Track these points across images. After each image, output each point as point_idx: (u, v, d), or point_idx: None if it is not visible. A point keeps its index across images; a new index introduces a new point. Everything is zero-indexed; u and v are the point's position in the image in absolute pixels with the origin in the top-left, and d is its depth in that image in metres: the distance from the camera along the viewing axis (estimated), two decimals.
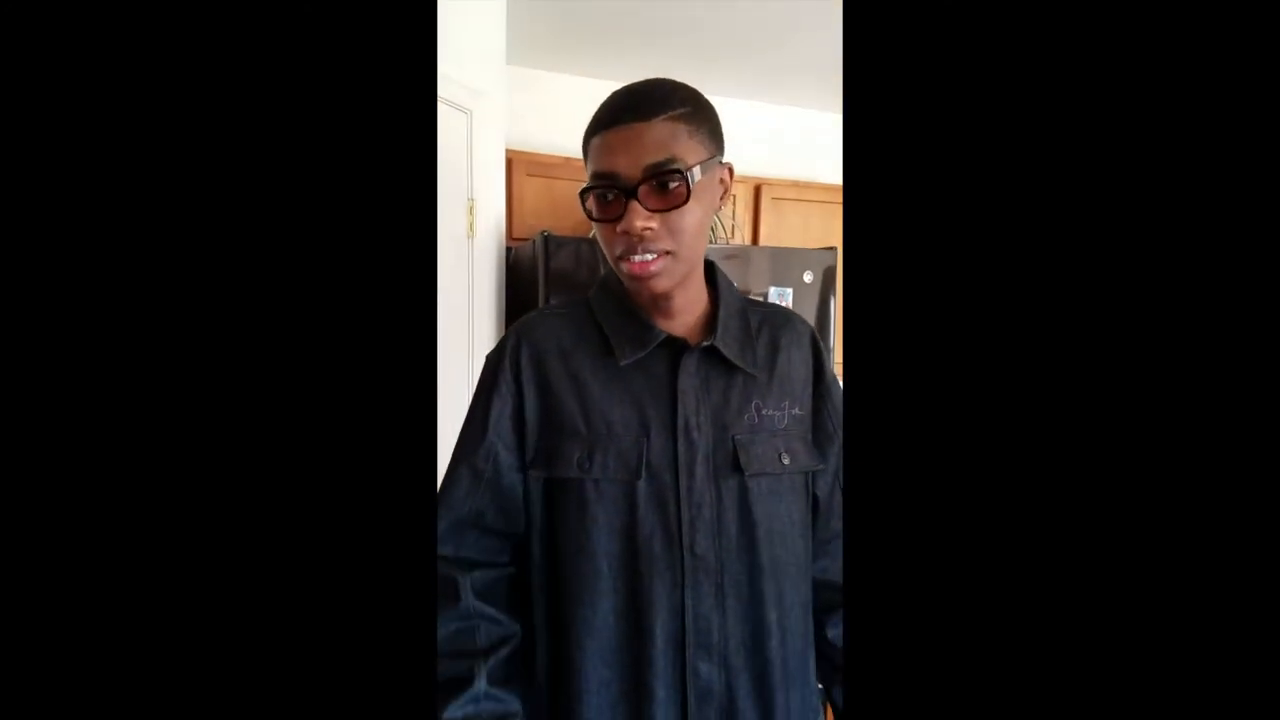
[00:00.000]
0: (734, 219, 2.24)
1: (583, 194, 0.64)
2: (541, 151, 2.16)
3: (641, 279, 0.63)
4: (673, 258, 0.63)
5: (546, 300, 1.64)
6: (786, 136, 2.61)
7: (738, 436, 0.67)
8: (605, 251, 0.66)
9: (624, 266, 0.63)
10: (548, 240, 1.63)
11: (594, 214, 0.64)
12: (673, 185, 0.60)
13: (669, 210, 0.61)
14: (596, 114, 0.64)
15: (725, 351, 0.68)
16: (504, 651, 0.68)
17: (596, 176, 0.62)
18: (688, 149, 0.62)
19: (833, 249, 1.94)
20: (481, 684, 0.66)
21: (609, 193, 0.62)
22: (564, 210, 2.08)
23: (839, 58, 2.12)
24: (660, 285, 0.64)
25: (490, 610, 0.69)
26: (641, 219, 0.60)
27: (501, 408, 0.70)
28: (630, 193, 0.60)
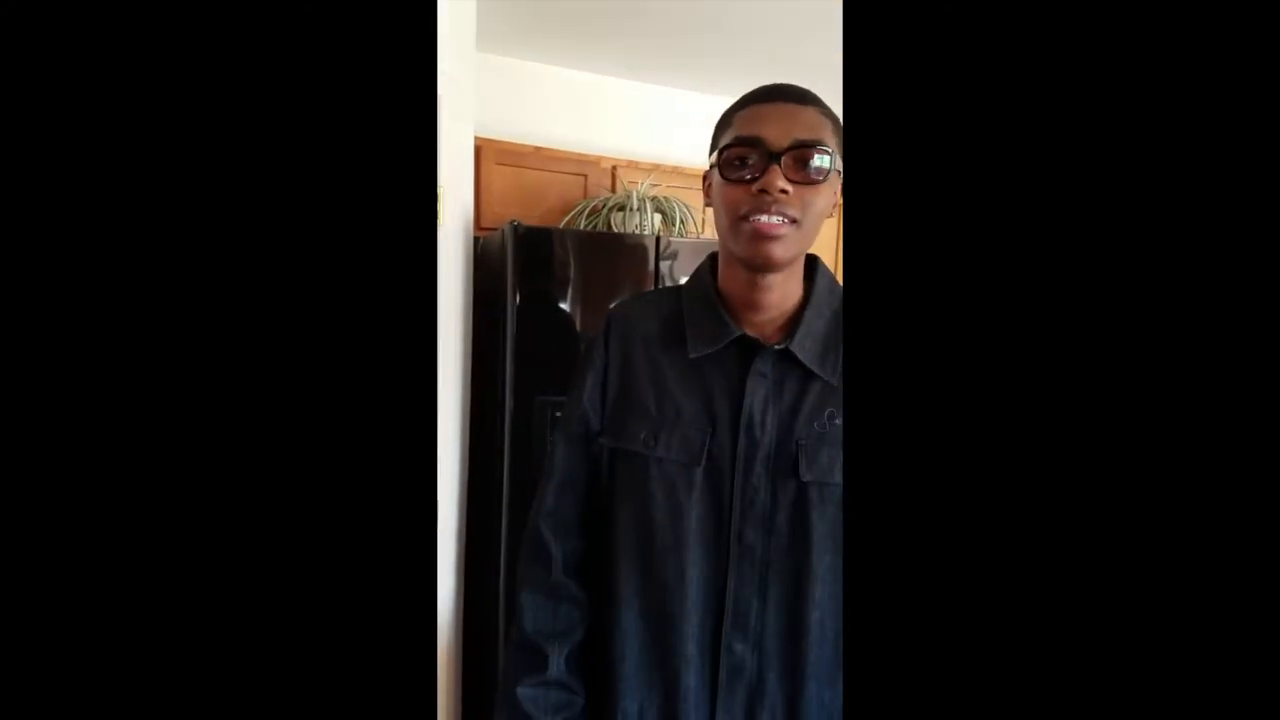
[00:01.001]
0: (705, 214, 2.25)
1: (720, 154, 0.66)
2: (511, 140, 2.14)
3: (766, 236, 0.64)
4: (797, 228, 0.64)
5: (515, 291, 1.63)
6: None
7: (802, 441, 0.68)
8: (724, 214, 0.67)
9: (747, 226, 0.64)
10: (516, 229, 1.61)
11: (726, 174, 0.65)
12: (814, 163, 0.63)
13: (806, 184, 0.63)
14: (745, 95, 0.68)
15: (801, 356, 0.68)
16: (577, 635, 0.74)
17: (740, 139, 0.65)
18: (832, 142, 0.65)
19: None
20: (555, 669, 0.72)
21: (751, 155, 0.64)
22: (533, 199, 2.06)
23: (817, 54, 2.14)
24: (778, 252, 0.64)
25: (571, 587, 0.75)
26: (782, 180, 0.62)
27: (593, 380, 0.75)
28: (774, 158, 0.63)
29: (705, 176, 0.72)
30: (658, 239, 1.76)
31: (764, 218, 0.63)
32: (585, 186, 2.13)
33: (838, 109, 0.62)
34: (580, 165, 2.14)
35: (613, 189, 2.16)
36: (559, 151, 2.17)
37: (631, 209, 1.95)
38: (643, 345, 0.73)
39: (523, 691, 0.72)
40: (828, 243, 2.45)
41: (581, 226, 1.99)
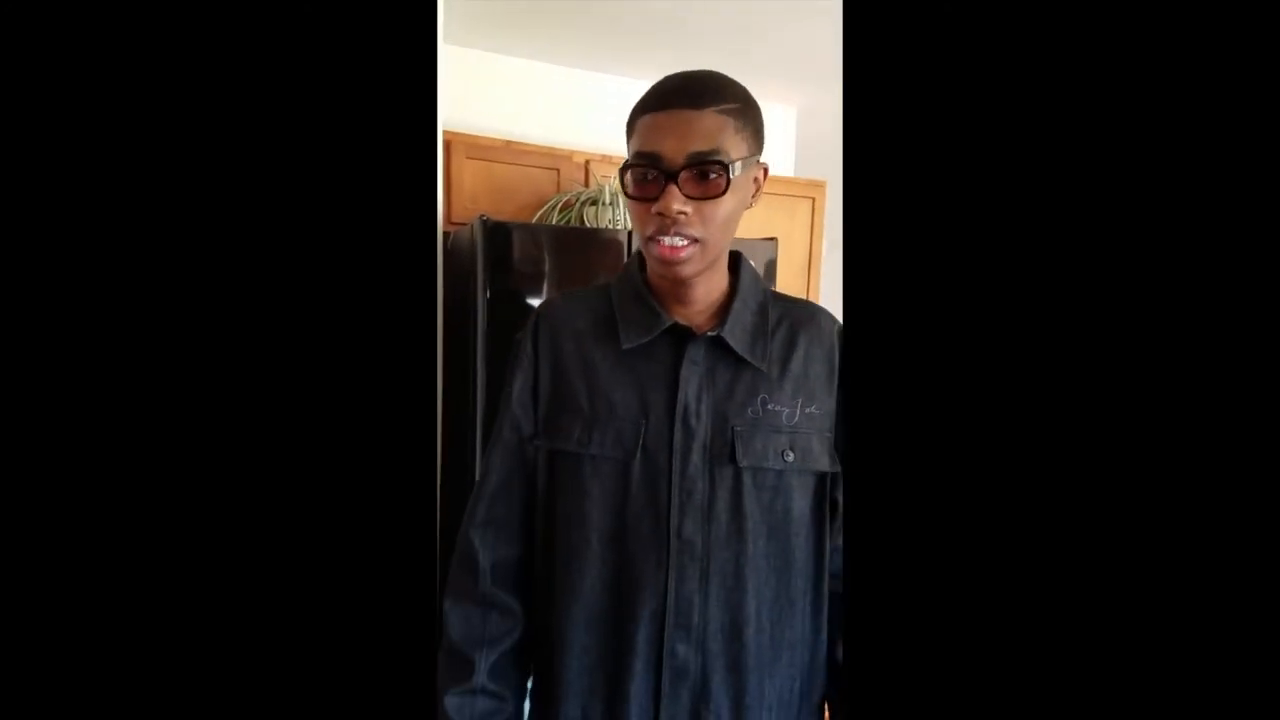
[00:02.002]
0: None
1: (622, 171, 0.65)
2: (482, 134, 2.11)
3: (669, 263, 0.64)
4: (701, 246, 0.64)
5: (486, 286, 1.60)
6: None
7: (737, 428, 0.68)
8: (635, 230, 0.67)
9: (653, 248, 0.64)
10: (485, 224, 1.59)
11: (630, 191, 0.64)
12: (713, 176, 0.62)
13: (705, 199, 0.62)
14: (647, 95, 0.66)
15: (732, 343, 0.69)
16: (506, 644, 0.72)
17: (639, 155, 0.63)
18: (733, 143, 0.63)
19: (773, 240, 1.96)
20: (481, 677, 0.70)
21: (649, 173, 0.62)
22: (504, 194, 2.03)
23: (781, 50, 2.14)
24: (685, 271, 0.65)
25: (502, 596, 0.73)
26: (678, 203, 0.61)
27: (523, 381, 0.74)
28: (671, 176, 0.61)
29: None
30: (630, 234, 1.75)
31: (665, 240, 0.63)
32: (558, 181, 2.11)
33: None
34: (552, 159, 2.11)
35: (585, 183, 2.14)
36: (531, 146, 2.14)
37: (604, 203, 1.93)
38: (573, 341, 0.72)
39: (449, 700, 0.70)
40: (801, 232, 2.45)
41: (554, 221, 1.97)
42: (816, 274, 2.53)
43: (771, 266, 1.94)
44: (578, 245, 1.74)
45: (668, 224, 0.62)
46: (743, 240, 1.91)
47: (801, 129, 2.71)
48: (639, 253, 0.76)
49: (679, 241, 0.63)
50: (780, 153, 2.72)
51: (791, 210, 2.45)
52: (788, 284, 2.38)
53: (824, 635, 0.75)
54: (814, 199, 2.49)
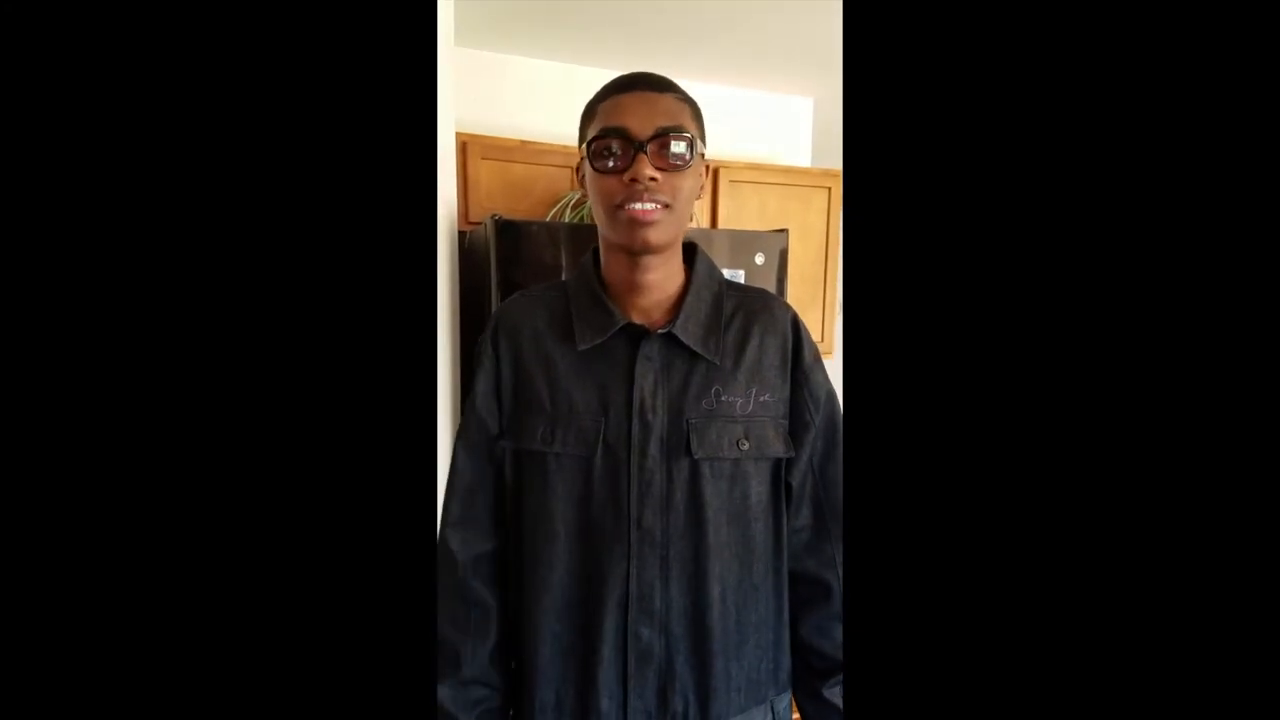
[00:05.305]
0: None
1: (588, 146, 0.69)
2: (497, 135, 2.15)
3: (641, 222, 0.67)
4: (669, 212, 0.68)
5: (500, 284, 1.65)
6: (742, 119, 2.62)
7: (692, 420, 0.70)
8: (601, 205, 0.70)
9: (623, 214, 0.67)
10: (497, 223, 1.63)
11: (596, 165, 0.68)
12: (678, 148, 0.67)
13: (672, 170, 0.67)
14: (607, 85, 0.71)
15: (685, 339, 0.71)
16: (491, 636, 0.75)
17: (606, 130, 0.67)
18: (691, 126, 0.69)
19: (784, 231, 1.97)
20: (470, 668, 0.74)
21: (617, 146, 0.67)
22: (520, 193, 2.07)
23: (797, 41, 2.13)
24: (654, 236, 0.68)
25: (480, 591, 0.75)
26: (649, 169, 0.66)
27: (486, 383, 0.77)
28: (640, 147, 0.66)
29: (578, 167, 0.74)
30: None
31: (637, 205, 0.66)
32: (573, 178, 2.14)
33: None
34: (567, 157, 2.15)
35: None
36: (545, 144, 2.17)
37: None
38: (533, 341, 0.75)
39: (442, 691, 0.73)
40: (818, 222, 2.44)
41: (567, 218, 2.00)
42: (834, 263, 2.52)
43: (784, 257, 1.94)
44: (590, 241, 1.77)
45: (639, 190, 0.66)
46: (754, 232, 1.92)
47: (818, 119, 2.70)
48: (594, 251, 0.79)
49: (650, 206, 0.66)
50: (797, 143, 2.71)
51: (807, 200, 2.44)
52: (804, 274, 2.38)
53: (786, 616, 0.77)
54: (830, 189, 2.47)
